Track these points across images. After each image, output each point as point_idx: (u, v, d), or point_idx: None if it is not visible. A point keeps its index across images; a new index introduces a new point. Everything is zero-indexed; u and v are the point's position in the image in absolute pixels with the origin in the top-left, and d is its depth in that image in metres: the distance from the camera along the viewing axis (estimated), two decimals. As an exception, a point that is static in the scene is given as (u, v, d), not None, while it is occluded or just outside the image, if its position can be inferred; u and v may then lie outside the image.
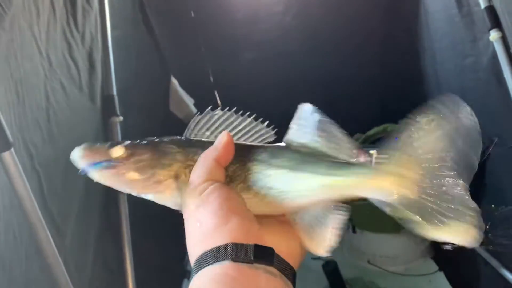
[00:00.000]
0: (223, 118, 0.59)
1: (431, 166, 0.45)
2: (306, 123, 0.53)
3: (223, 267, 0.44)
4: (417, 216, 0.44)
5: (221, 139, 0.55)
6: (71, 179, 1.30)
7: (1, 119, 0.87)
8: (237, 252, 0.45)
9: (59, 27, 1.34)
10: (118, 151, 0.54)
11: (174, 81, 2.37)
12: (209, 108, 0.59)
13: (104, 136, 1.55)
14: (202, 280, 0.44)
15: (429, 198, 0.44)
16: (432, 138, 0.45)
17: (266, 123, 0.59)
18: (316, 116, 0.52)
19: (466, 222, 0.43)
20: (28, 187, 0.94)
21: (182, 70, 2.53)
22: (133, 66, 1.91)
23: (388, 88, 2.65)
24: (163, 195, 0.56)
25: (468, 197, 0.45)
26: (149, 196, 0.57)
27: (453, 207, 0.44)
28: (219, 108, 0.59)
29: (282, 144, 0.57)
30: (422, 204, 0.44)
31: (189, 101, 2.48)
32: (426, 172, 0.45)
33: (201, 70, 2.61)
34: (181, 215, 0.56)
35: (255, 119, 0.59)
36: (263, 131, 0.59)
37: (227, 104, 0.61)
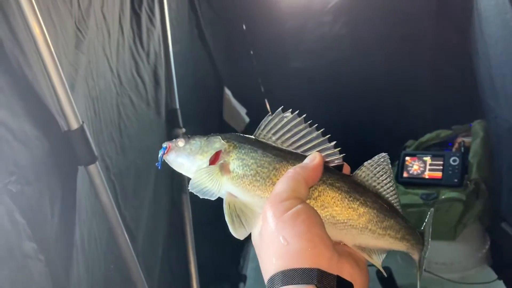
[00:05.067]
0: (292, 123, 0.58)
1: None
2: (382, 172, 0.60)
3: None
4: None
5: (313, 159, 0.56)
6: (141, 188, 1.40)
7: (88, 135, 0.96)
8: (321, 279, 0.48)
9: (127, 47, 1.45)
10: (179, 141, 0.61)
11: (227, 91, 2.46)
12: (280, 108, 0.58)
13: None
14: None
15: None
16: None
17: (334, 143, 0.58)
18: (390, 170, 0.60)
19: None
20: (110, 196, 1.04)
21: (234, 81, 2.62)
22: (190, 79, 2.01)
23: (441, 94, 2.61)
24: (203, 180, 0.58)
25: None
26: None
27: None
28: (289, 110, 0.58)
29: (353, 177, 0.60)
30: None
31: (242, 110, 2.56)
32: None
33: (252, 80, 2.68)
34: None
35: (323, 134, 0.59)
36: (330, 151, 0.59)
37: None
